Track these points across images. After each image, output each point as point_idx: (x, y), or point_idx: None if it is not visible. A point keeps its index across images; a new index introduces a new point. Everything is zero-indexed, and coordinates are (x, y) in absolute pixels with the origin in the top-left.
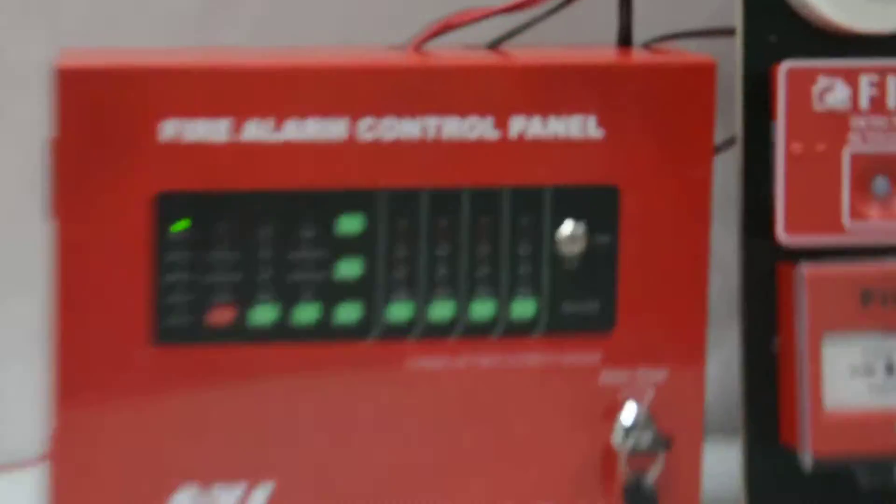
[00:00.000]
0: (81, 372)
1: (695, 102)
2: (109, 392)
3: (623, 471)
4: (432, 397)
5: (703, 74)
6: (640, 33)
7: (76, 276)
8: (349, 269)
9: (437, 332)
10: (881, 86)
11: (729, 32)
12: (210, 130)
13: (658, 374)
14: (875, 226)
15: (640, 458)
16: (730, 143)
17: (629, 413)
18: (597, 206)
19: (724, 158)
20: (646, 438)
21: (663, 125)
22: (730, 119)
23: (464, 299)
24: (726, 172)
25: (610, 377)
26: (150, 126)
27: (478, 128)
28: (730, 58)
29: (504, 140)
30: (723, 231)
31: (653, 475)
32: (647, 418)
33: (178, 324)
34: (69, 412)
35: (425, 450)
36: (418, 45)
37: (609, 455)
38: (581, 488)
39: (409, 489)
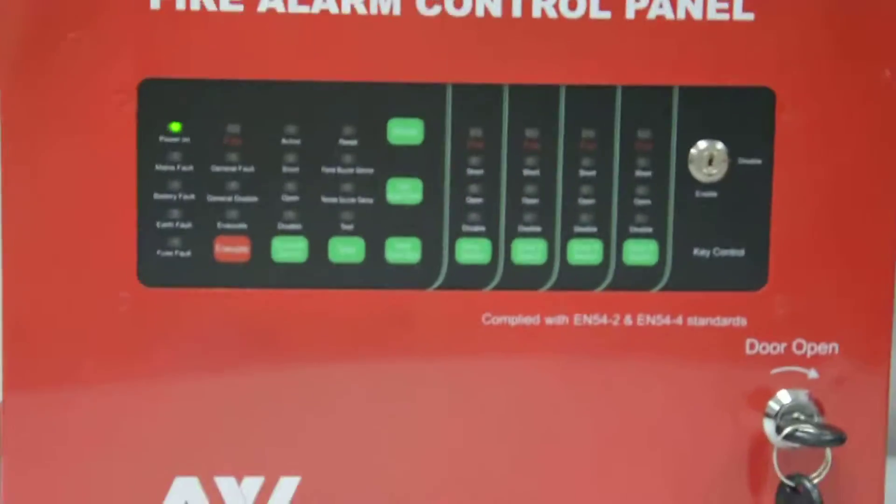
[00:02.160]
0: (40, 332)
1: None
2: (79, 355)
3: (777, 470)
4: (516, 367)
5: None
6: None
7: (28, 195)
8: (404, 191)
9: (523, 281)
10: None
11: None
12: None
13: (825, 349)
14: None
15: (799, 454)
16: None
17: (785, 396)
18: (743, 115)
19: None
20: (807, 430)
21: (840, 2)
22: None
23: (558, 238)
24: None
25: (759, 349)
26: None
27: (581, 5)
28: None
29: (617, 21)
30: None
31: (816, 478)
32: (810, 404)
33: (173, 259)
34: (20, 390)
35: (507, 442)
36: None
37: (758, 449)
38: (719, 490)
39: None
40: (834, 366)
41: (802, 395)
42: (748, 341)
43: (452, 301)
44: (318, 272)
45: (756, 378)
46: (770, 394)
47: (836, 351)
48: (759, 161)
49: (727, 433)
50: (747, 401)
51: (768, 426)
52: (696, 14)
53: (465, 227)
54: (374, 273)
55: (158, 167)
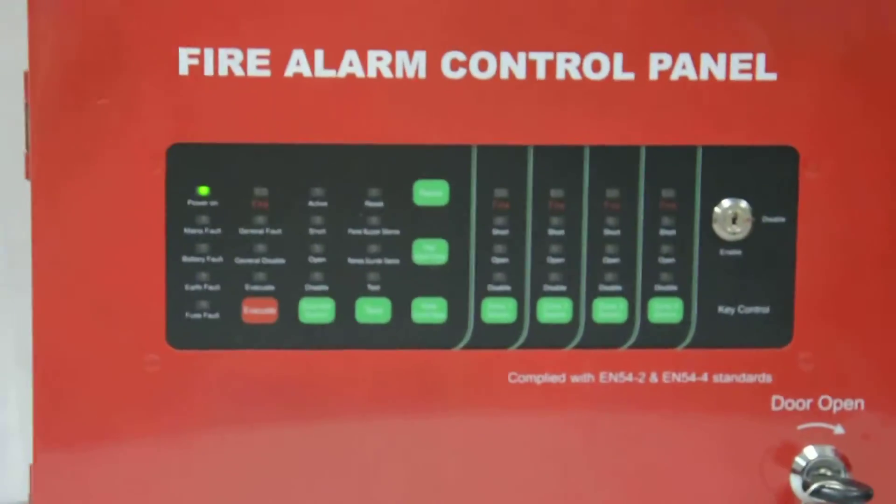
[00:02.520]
0: (70, 393)
1: None
2: (109, 416)
3: None
4: (542, 425)
5: None
6: None
7: (60, 256)
8: (430, 252)
9: (549, 340)
10: None
11: None
12: (242, 62)
13: (851, 405)
14: None
15: None
16: None
17: (812, 452)
18: (766, 174)
19: None
20: (834, 486)
21: (861, 61)
22: None
23: (584, 297)
24: None
25: (785, 405)
26: (165, 53)
27: (604, 67)
28: None
29: (640, 83)
30: None
31: None
32: (837, 460)
33: (201, 322)
34: (51, 451)
35: (532, 501)
36: None
37: None
38: None
39: None
40: (860, 421)
41: (829, 451)
42: (774, 398)
43: (479, 360)
44: (345, 333)
45: (782, 434)
46: (796, 450)
47: (862, 407)
48: (782, 219)
49: (754, 490)
50: (774, 457)
51: (795, 482)
52: (719, 75)
53: (491, 287)
54: (401, 333)
55: (187, 230)
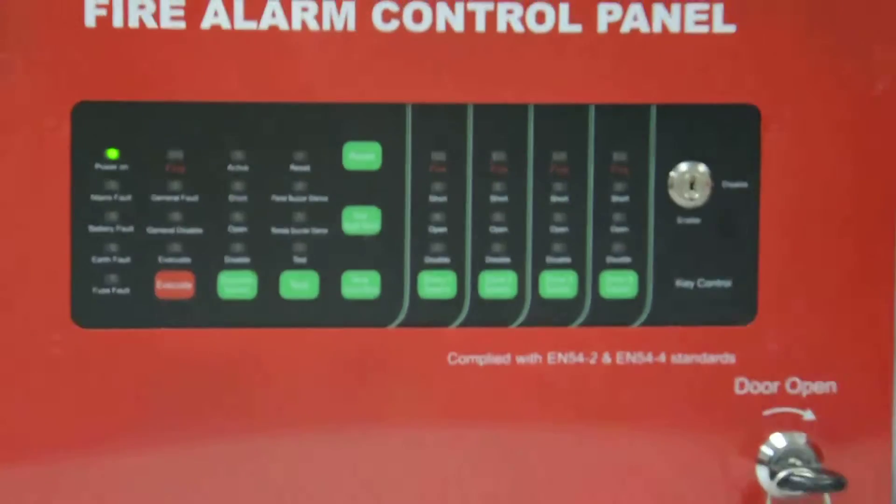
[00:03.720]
0: None
1: None
2: (7, 403)
3: None
4: (485, 410)
5: None
6: None
7: None
8: (361, 220)
9: (491, 317)
10: None
11: None
12: (154, 13)
13: (822, 388)
14: None
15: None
16: None
17: (780, 440)
18: (726, 135)
19: None
20: (805, 477)
21: (827, 11)
22: None
23: (529, 270)
24: None
25: (750, 388)
26: (70, 2)
27: (549, 18)
28: None
29: (588, 36)
30: None
31: None
32: (807, 448)
33: (110, 297)
34: None
35: (474, 493)
36: None
37: (751, 498)
38: None
39: None
40: (832, 406)
41: (798, 439)
42: (738, 380)
43: (415, 339)
44: (268, 310)
45: (747, 420)
46: (763, 438)
47: (834, 389)
48: (744, 184)
49: (716, 481)
50: (738, 445)
51: (761, 473)
52: (674, 27)
53: (428, 259)
54: (330, 310)
55: (94, 197)
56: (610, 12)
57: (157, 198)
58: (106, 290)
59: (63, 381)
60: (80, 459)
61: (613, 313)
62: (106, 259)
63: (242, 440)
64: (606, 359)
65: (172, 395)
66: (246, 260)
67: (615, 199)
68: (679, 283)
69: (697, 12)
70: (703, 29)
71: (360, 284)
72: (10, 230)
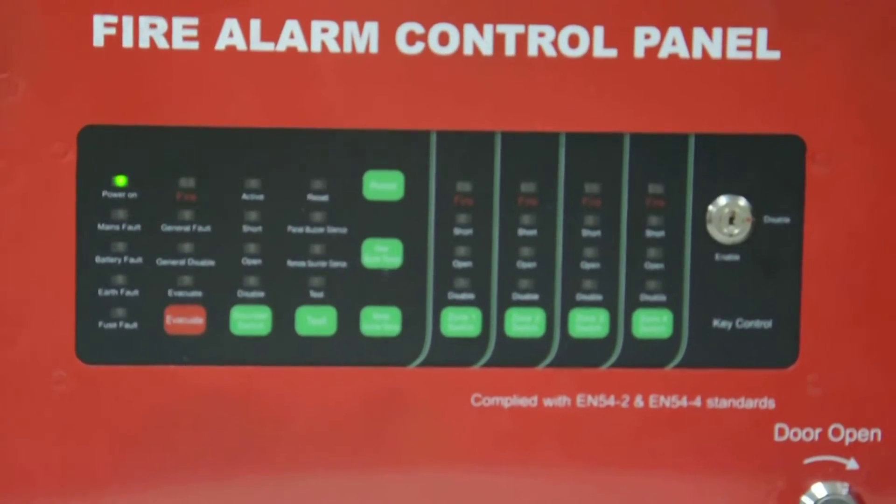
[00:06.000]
0: None
1: None
2: (9, 441)
3: None
4: (510, 455)
5: None
6: None
7: None
8: (382, 253)
9: (517, 356)
10: None
11: None
12: (166, 33)
13: (866, 435)
14: None
15: None
16: None
17: (821, 490)
18: (768, 167)
19: None
20: None
21: (874, 40)
22: None
23: (558, 307)
24: None
25: (790, 435)
26: (78, 21)
27: (583, 42)
28: None
29: (623, 61)
30: None
31: None
32: (850, 498)
33: (117, 332)
34: None
35: None
36: None
37: None
38: None
39: None
40: (876, 455)
41: (841, 489)
42: (777, 426)
43: (437, 379)
44: (283, 346)
45: (787, 469)
46: (803, 487)
47: (879, 437)
48: (787, 219)
49: None
50: (777, 495)
51: None
52: (715, 53)
53: (452, 295)
54: (348, 348)
55: (101, 226)
56: (647, 36)
57: (168, 227)
58: (112, 325)
59: (66, 419)
60: (82, 500)
61: (646, 354)
62: (113, 292)
63: (255, 483)
64: (639, 402)
65: (181, 436)
66: (260, 294)
67: (650, 233)
68: (716, 322)
69: (740, 37)
70: (746, 55)
71: (381, 321)
72: (13, 260)
